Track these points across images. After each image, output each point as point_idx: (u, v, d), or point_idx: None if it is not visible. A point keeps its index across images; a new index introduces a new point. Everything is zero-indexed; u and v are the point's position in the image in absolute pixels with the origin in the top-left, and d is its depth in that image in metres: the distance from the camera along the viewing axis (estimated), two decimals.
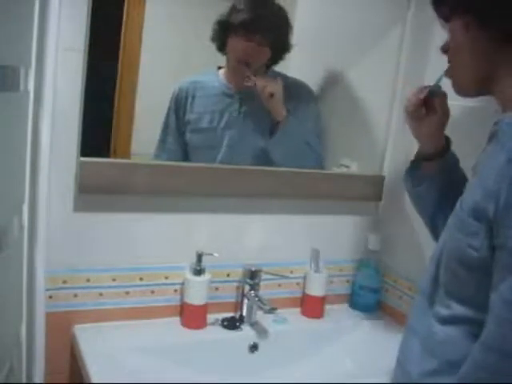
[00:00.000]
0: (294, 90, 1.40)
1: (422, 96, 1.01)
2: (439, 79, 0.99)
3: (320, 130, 1.47)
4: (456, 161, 1.06)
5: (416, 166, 1.08)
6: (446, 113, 1.03)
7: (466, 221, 0.77)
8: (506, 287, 0.70)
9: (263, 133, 1.40)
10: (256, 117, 1.41)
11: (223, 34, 1.35)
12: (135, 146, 1.38)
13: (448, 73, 0.91)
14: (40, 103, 1.00)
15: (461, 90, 0.90)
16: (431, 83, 1.02)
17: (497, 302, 0.72)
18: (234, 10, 1.34)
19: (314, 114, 1.47)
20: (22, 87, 0.91)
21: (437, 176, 1.04)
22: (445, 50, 0.90)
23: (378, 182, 1.47)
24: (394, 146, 1.44)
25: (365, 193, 1.46)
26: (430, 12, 0.91)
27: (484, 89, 0.86)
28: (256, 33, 1.33)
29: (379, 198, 1.48)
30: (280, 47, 1.38)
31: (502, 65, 0.81)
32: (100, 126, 1.34)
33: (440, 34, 0.93)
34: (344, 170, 1.50)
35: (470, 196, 0.79)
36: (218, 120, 1.40)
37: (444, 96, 1.01)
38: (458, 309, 0.80)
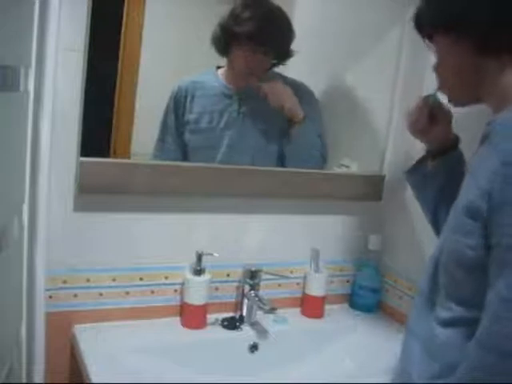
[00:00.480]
0: (294, 91, 1.40)
1: (425, 111, 1.03)
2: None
3: (322, 130, 1.47)
4: (460, 156, 1.06)
5: (421, 163, 1.09)
6: (448, 117, 1.05)
7: (462, 220, 0.78)
8: (503, 285, 0.71)
9: (263, 133, 1.40)
10: (256, 117, 1.40)
11: (225, 40, 1.35)
12: (135, 146, 1.38)
13: (440, 87, 0.94)
14: (40, 103, 1.00)
15: (453, 102, 0.94)
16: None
17: (493, 300, 0.72)
18: (235, 16, 1.33)
19: (316, 114, 1.47)
20: (22, 87, 0.91)
21: (440, 172, 1.05)
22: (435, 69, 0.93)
23: (378, 181, 1.47)
24: (394, 145, 1.44)
25: (365, 193, 1.46)
26: None
27: (475, 95, 0.87)
28: (261, 45, 1.33)
29: (379, 198, 1.48)
30: (284, 55, 1.39)
31: (487, 71, 0.83)
32: (100, 126, 1.34)
33: None
34: (344, 169, 1.50)
35: (465, 196, 0.79)
36: (217, 120, 1.39)
37: (440, 103, 1.03)
38: (459, 311, 0.80)
